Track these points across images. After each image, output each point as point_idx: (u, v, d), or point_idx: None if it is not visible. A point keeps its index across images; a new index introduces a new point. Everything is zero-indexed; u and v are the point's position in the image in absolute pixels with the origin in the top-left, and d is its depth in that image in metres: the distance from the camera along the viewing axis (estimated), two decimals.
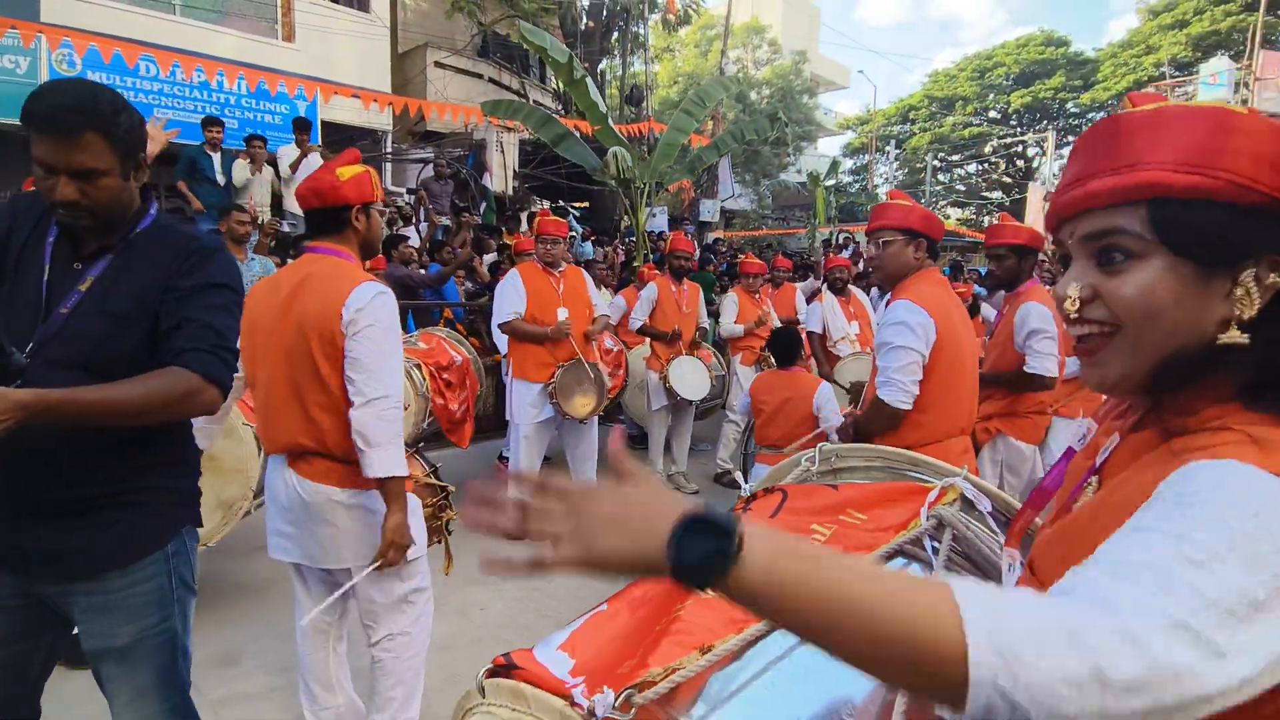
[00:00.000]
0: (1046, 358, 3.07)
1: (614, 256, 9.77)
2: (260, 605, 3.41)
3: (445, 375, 4.77)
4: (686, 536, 0.61)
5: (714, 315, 6.55)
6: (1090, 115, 31.26)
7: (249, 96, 10.17)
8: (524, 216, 10.69)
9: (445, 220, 8.94)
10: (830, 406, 4.08)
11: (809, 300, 7.18)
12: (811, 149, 33.24)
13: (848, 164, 35.87)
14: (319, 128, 10.68)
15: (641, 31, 14.96)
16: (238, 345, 1.61)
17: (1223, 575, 0.53)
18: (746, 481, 4.67)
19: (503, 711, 0.92)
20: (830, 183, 26.53)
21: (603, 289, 7.97)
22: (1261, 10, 20.00)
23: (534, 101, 12.34)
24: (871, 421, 2.43)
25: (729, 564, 0.59)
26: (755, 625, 0.95)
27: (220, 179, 7.16)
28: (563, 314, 4.50)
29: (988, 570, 1.16)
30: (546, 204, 14.56)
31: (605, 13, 13.81)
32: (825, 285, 6.06)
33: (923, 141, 33.46)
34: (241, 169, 7.24)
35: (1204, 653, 0.51)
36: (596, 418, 4.71)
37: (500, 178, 11.93)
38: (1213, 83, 17.84)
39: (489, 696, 0.95)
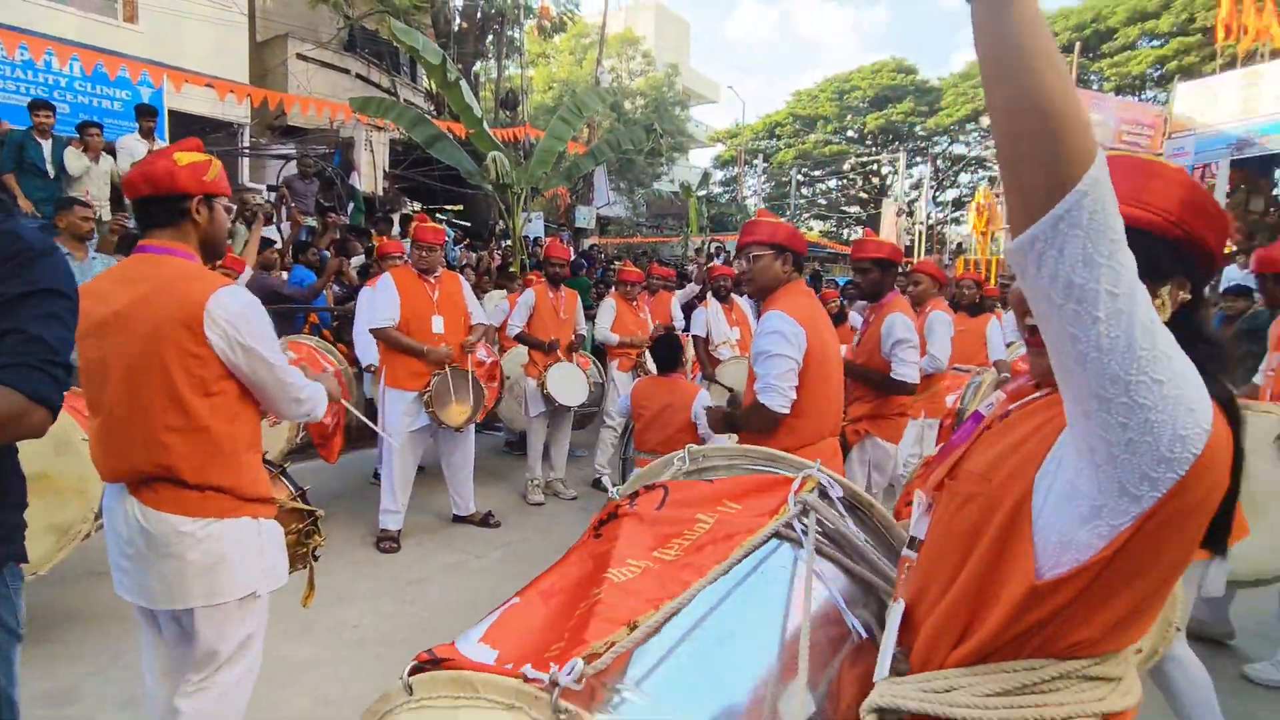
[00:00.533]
0: (909, 365, 3.37)
1: (489, 260, 9.64)
2: (102, 635, 3.12)
3: None
4: None
5: (591, 320, 6.61)
6: (936, 139, 34.05)
7: (84, 80, 9.21)
8: (396, 218, 10.32)
9: (310, 220, 8.50)
10: (704, 406, 4.24)
11: (687, 306, 7.43)
12: (684, 160, 34.16)
13: (718, 175, 37.11)
14: (166, 117, 9.85)
15: (517, 36, 14.86)
16: (72, 360, 1.41)
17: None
18: (625, 480, 4.79)
19: (440, 703, 0.91)
20: (702, 193, 27.35)
21: (481, 295, 7.88)
22: (1076, 53, 22.63)
23: (405, 101, 11.94)
24: (750, 423, 2.58)
25: None
26: (672, 602, 1.03)
27: (50, 170, 6.46)
28: (438, 322, 4.42)
29: (845, 546, 1.33)
30: (418, 206, 14.14)
31: (480, 15, 13.60)
32: (710, 292, 6.32)
33: (788, 157, 35.18)
34: (76, 158, 6.57)
35: None
36: (473, 426, 4.66)
37: (369, 178, 11.47)
38: None
39: (422, 691, 0.93)
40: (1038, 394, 1.02)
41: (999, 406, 1.09)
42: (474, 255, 9.89)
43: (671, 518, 1.30)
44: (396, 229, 9.55)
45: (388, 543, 4.28)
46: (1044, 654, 0.88)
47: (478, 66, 15.05)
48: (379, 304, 4.30)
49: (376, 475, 5.43)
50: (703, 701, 0.96)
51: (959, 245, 17.98)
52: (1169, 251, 0.90)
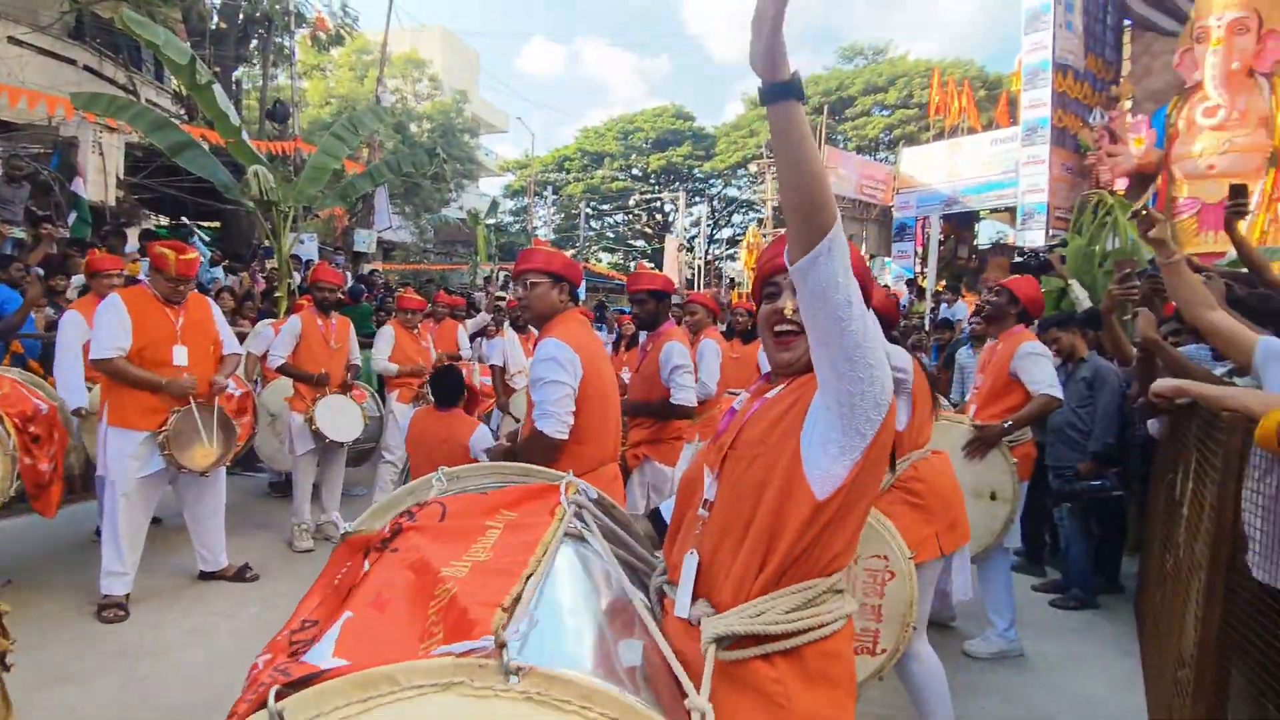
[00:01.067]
0: (687, 389, 3.57)
1: (250, 284, 8.76)
2: None
3: (32, 428, 3.79)
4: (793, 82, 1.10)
5: (368, 349, 6.23)
6: (712, 181, 36.73)
7: None
8: (134, 233, 9.02)
9: (18, 231, 7.16)
10: (485, 445, 4.14)
11: (477, 335, 7.26)
12: (473, 187, 33.69)
13: (508, 205, 37.05)
14: None
15: (287, 44, 13.78)
16: None
17: None
18: None
19: (339, 714, 0.79)
20: (491, 221, 27.09)
21: (240, 320, 7.10)
22: (825, 115, 25.68)
23: (147, 101, 10.56)
24: (531, 452, 2.53)
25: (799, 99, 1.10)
26: (516, 585, 1.08)
27: None
28: (181, 353, 3.90)
29: (611, 537, 1.49)
30: (163, 220, 12.47)
31: (242, 17, 12.43)
32: (508, 321, 6.25)
33: (577, 190, 36.05)
34: None
35: None
36: (222, 471, 4.15)
37: (98, 185, 9.93)
38: None
39: (301, 713, 0.79)
40: (781, 385, 1.39)
41: (748, 400, 1.46)
42: (234, 278, 8.93)
43: (460, 528, 1.33)
44: (134, 245, 8.36)
45: (112, 610, 3.64)
46: (814, 574, 1.26)
47: (240, 72, 13.74)
48: (104, 331, 3.68)
49: (99, 532, 4.64)
50: (576, 657, 1.05)
51: (733, 280, 19.45)
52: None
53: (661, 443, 3.70)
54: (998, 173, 20.27)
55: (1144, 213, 2.39)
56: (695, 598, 1.32)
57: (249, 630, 3.63)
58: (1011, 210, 20.07)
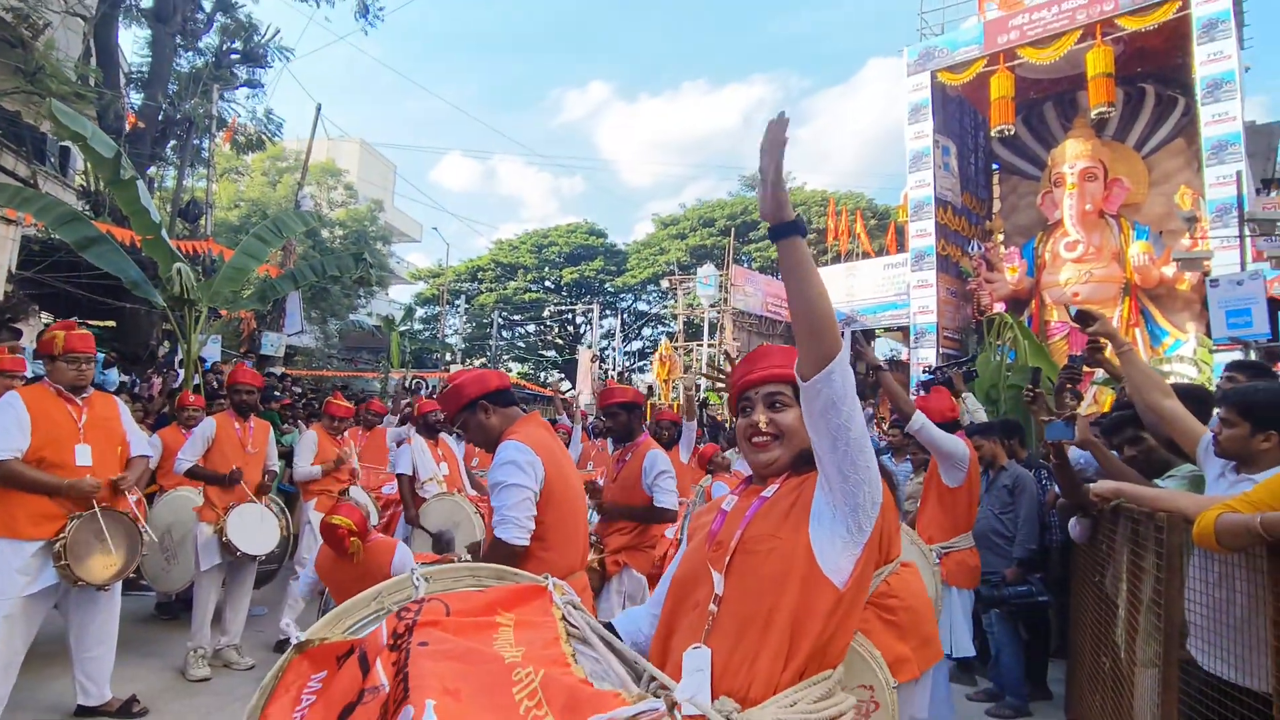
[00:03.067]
0: (671, 494, 3.63)
1: (148, 388, 8.20)
2: None
3: None
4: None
5: (284, 458, 5.89)
6: (623, 295, 37.81)
7: None
8: (28, 329, 8.36)
9: None
10: (407, 563, 3.88)
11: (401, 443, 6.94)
12: (384, 295, 33.37)
13: (419, 313, 36.80)
14: None
15: (205, 147, 13.62)
16: None
17: None
18: None
19: None
20: (404, 328, 26.73)
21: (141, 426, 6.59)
22: (732, 236, 27.30)
23: (49, 196, 10.09)
24: (492, 561, 2.41)
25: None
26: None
27: None
28: (84, 452, 3.58)
29: (607, 639, 1.40)
30: (48, 317, 11.64)
31: (161, 118, 12.26)
32: (415, 428, 5.97)
33: (489, 300, 36.27)
34: None
35: None
36: (120, 586, 3.74)
37: None
38: (705, 282, 23.35)
39: None
40: (775, 485, 1.48)
41: (739, 501, 1.54)
42: (131, 379, 8.35)
43: (471, 624, 1.24)
44: (28, 342, 7.74)
45: None
46: (830, 664, 1.32)
47: (152, 171, 13.40)
48: (1, 430, 3.35)
49: None
50: None
51: (650, 388, 19.75)
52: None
53: (639, 550, 3.69)
54: (891, 294, 21.88)
55: (1083, 311, 2.62)
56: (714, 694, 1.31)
57: None
58: (904, 329, 21.60)
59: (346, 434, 5.76)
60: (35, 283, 10.29)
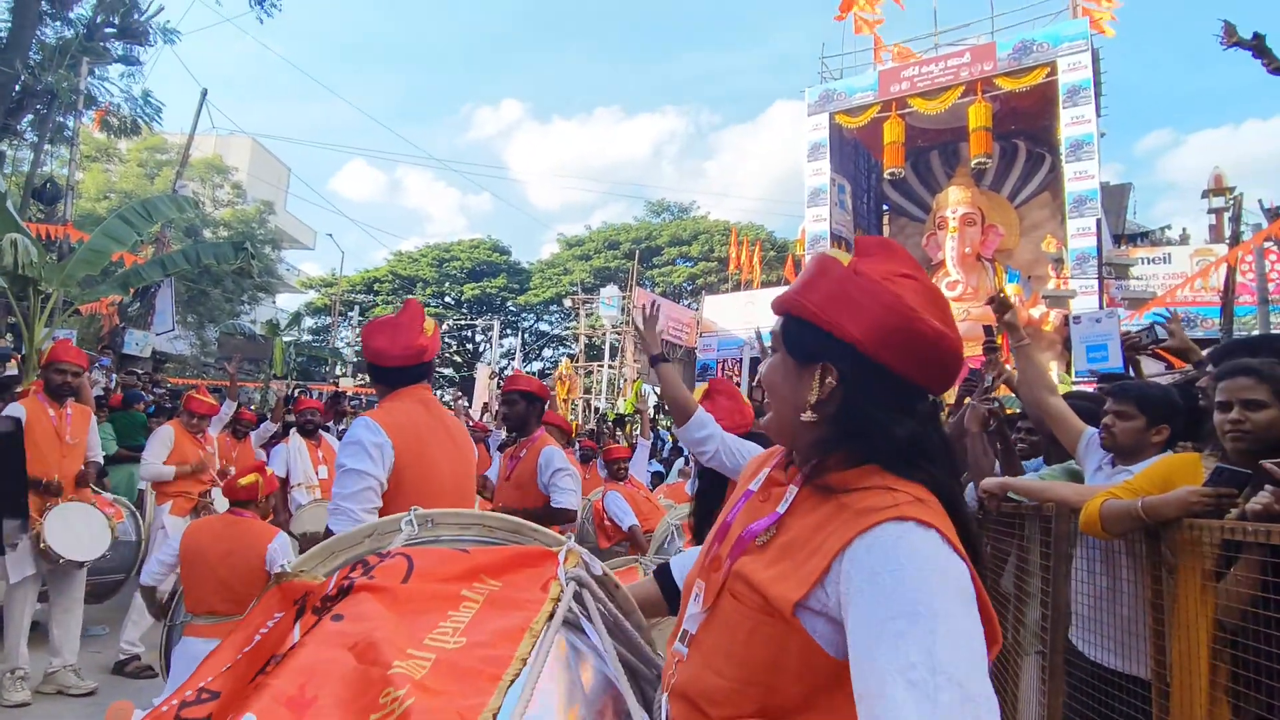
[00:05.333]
0: (570, 493, 3.41)
1: None
2: None
3: None
4: None
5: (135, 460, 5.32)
6: (524, 314, 37.38)
7: None
8: None
9: None
10: (286, 556, 3.57)
11: (265, 446, 6.49)
12: (270, 301, 31.54)
13: (309, 322, 35.02)
14: None
15: (69, 125, 12.44)
16: None
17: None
18: (169, 667, 3.68)
19: None
20: (290, 337, 25.30)
21: None
22: (636, 260, 27.59)
23: None
24: None
25: None
26: (493, 698, 0.84)
27: None
28: None
29: (613, 629, 1.18)
30: None
31: (20, 87, 11.11)
32: (295, 428, 5.57)
33: (385, 312, 35.00)
34: None
35: None
36: None
37: None
38: (609, 303, 23.41)
39: None
40: (791, 492, 0.99)
41: (744, 511, 1.06)
42: None
43: (430, 594, 1.04)
44: None
45: None
46: None
47: (5, 148, 12.12)
48: None
49: None
50: None
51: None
52: (819, 337, 0.95)
53: None
54: None
55: (1001, 295, 2.66)
56: None
57: None
58: None
59: (204, 434, 5.26)
60: None
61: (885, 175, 17.13)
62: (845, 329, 0.92)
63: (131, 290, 9.20)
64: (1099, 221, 13.07)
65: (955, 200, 16.81)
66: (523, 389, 3.70)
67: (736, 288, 26.02)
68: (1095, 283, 12.92)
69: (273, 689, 0.86)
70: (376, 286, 36.33)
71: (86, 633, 4.57)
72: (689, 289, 33.48)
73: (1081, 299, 12.87)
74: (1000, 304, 2.66)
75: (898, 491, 0.86)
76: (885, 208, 20.09)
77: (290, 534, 4.90)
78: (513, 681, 0.87)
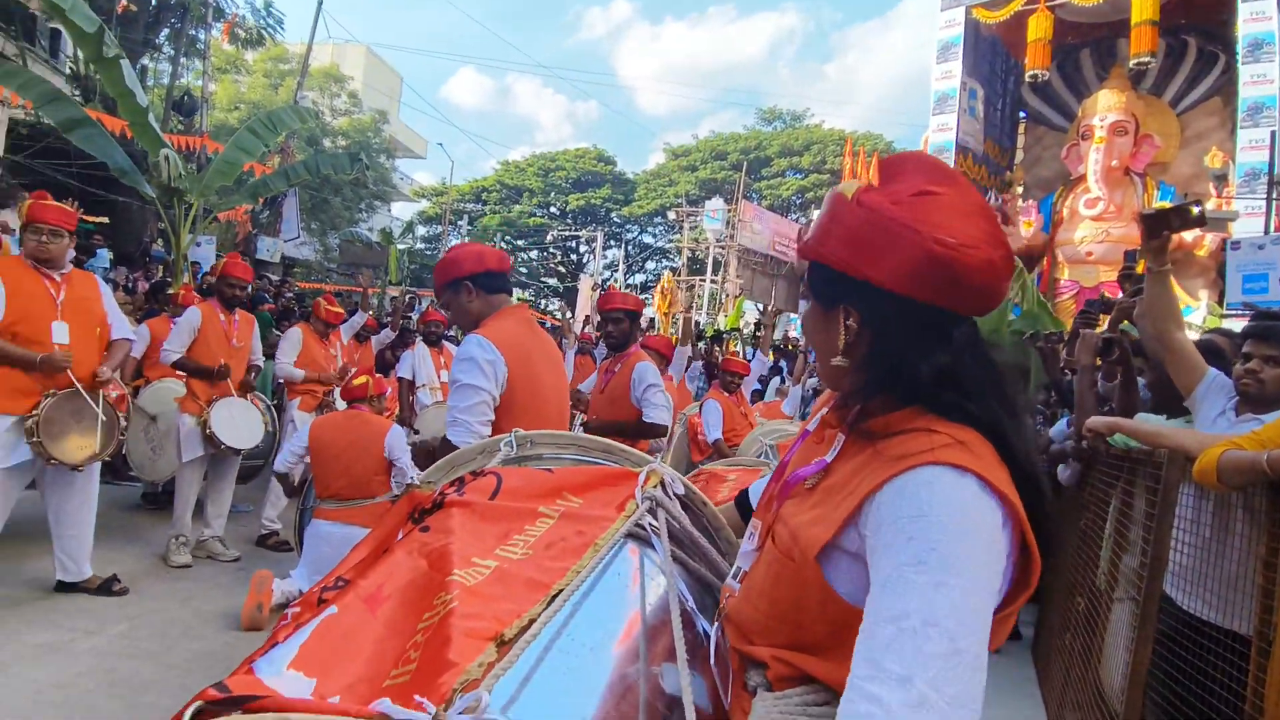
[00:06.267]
0: (661, 409, 3.50)
1: (138, 281, 8.07)
2: None
3: None
4: None
5: (269, 356, 5.82)
6: (628, 226, 37.29)
7: None
8: (14, 215, 8.16)
9: None
10: (402, 446, 3.89)
11: (385, 350, 7.02)
12: (385, 209, 32.82)
13: (421, 230, 36.34)
14: None
15: (201, 38, 13.06)
16: None
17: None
18: (302, 543, 4.13)
19: None
20: (404, 245, 26.39)
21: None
22: (743, 172, 26.68)
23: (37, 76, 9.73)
24: None
25: None
26: (535, 607, 0.89)
27: None
28: (61, 330, 3.48)
29: (688, 546, 1.24)
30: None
31: (155, 3, 11.71)
32: (420, 336, 6.02)
33: (493, 222, 35.74)
34: None
35: None
36: (97, 468, 3.70)
37: None
38: (713, 216, 22.94)
39: None
40: (839, 441, 0.97)
41: (808, 440, 1.06)
42: (125, 273, 8.21)
43: (509, 510, 1.13)
44: (14, 223, 7.56)
45: None
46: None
47: (146, 63, 12.91)
48: None
49: None
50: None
51: (651, 322, 19.63)
52: (840, 281, 0.92)
53: None
54: None
55: (1165, 210, 2.09)
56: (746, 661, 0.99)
57: (112, 649, 3.19)
58: None
59: (331, 336, 5.68)
60: (24, 169, 10.03)
61: (1025, 78, 15.49)
62: (854, 266, 0.88)
63: (260, 199, 9.78)
64: (1274, 134, 11.47)
65: (1105, 106, 15.10)
66: (622, 306, 3.76)
67: None
68: (1263, 203, 11.46)
69: (359, 586, 0.98)
70: (484, 196, 37.03)
71: (234, 510, 5.18)
72: (798, 202, 32.27)
73: (1244, 221, 11.44)
74: (1172, 217, 2.09)
75: (936, 434, 0.83)
76: (1022, 115, 18.32)
77: (415, 430, 5.32)
78: (560, 592, 0.94)
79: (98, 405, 3.51)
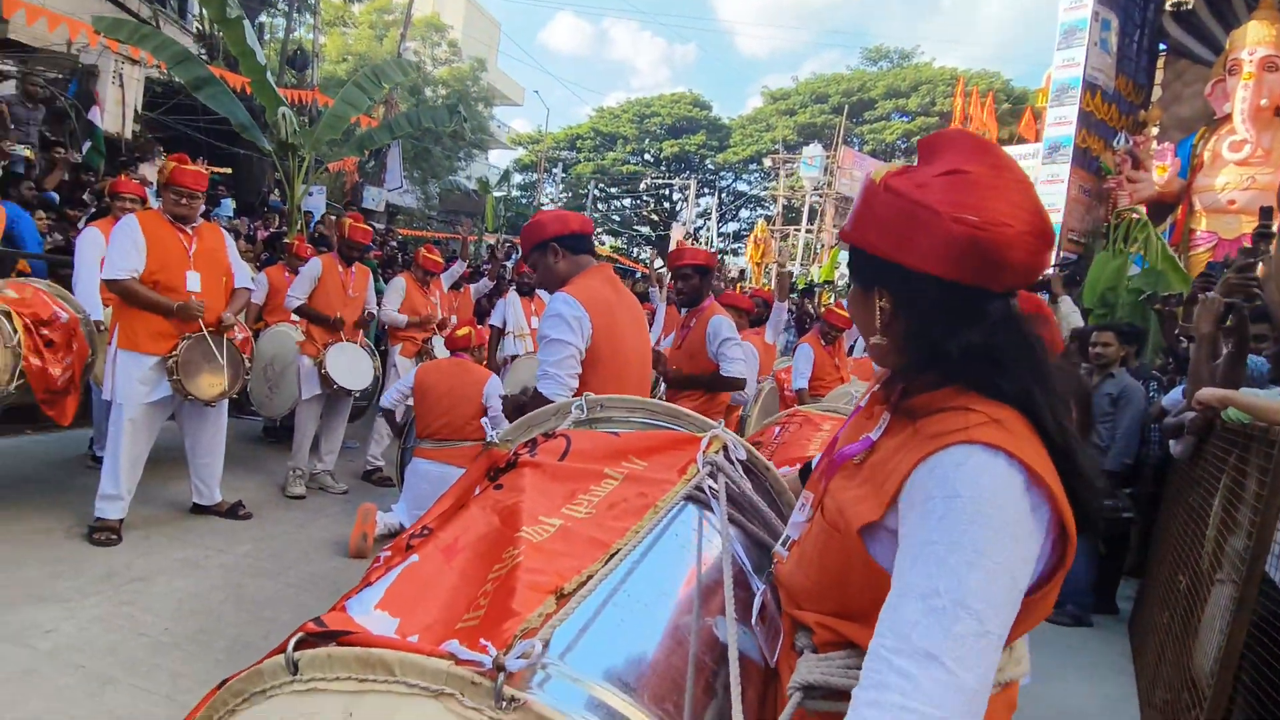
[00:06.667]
0: (737, 361, 3.53)
1: (257, 230, 8.63)
2: None
3: (45, 332, 3.73)
4: None
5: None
6: (723, 173, 36.56)
7: None
8: (148, 169, 8.87)
9: (22, 150, 7.01)
10: (498, 395, 4.08)
11: (482, 299, 7.30)
12: (483, 158, 33.42)
13: (517, 179, 36.84)
14: None
15: None
16: None
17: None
18: (403, 480, 4.42)
19: (339, 685, 0.76)
20: (500, 193, 26.91)
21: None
22: (844, 115, 25.56)
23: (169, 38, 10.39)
24: None
25: None
26: (597, 568, 0.96)
27: None
28: (194, 279, 3.81)
29: (747, 509, 1.30)
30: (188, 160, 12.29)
31: None
32: (514, 285, 6.22)
33: (587, 169, 35.81)
34: None
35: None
36: (226, 403, 4.08)
37: (116, 116, 9.74)
38: (810, 163, 22.17)
39: (314, 670, 0.77)
40: (884, 418, 1.00)
41: (857, 417, 1.09)
42: (246, 222, 8.80)
43: (577, 471, 1.21)
44: (152, 177, 8.23)
45: (104, 534, 3.58)
46: None
47: (263, 19, 13.51)
48: (117, 251, 3.60)
49: (94, 458, 4.57)
50: (628, 672, 0.88)
51: (741, 272, 19.38)
52: (872, 263, 0.95)
53: (711, 416, 3.67)
54: None
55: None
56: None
57: (240, 566, 3.57)
58: None
59: (431, 284, 5.94)
60: (159, 125, 10.80)
61: (1167, 5, 14.01)
62: (884, 250, 0.91)
63: (366, 151, 10.17)
64: None
65: (1255, 39, 13.46)
66: (692, 262, 3.74)
67: None
68: None
69: (439, 537, 1.09)
70: (579, 143, 37.05)
71: (344, 446, 5.59)
72: (903, 147, 30.68)
73: None
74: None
75: (973, 412, 0.85)
76: (1162, 48, 16.55)
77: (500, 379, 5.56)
78: (619, 551, 1.00)
79: (224, 348, 3.84)
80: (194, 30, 13.22)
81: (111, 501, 3.63)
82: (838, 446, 1.07)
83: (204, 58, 10.71)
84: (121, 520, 3.68)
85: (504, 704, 0.72)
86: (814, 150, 23.34)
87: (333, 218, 8.73)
